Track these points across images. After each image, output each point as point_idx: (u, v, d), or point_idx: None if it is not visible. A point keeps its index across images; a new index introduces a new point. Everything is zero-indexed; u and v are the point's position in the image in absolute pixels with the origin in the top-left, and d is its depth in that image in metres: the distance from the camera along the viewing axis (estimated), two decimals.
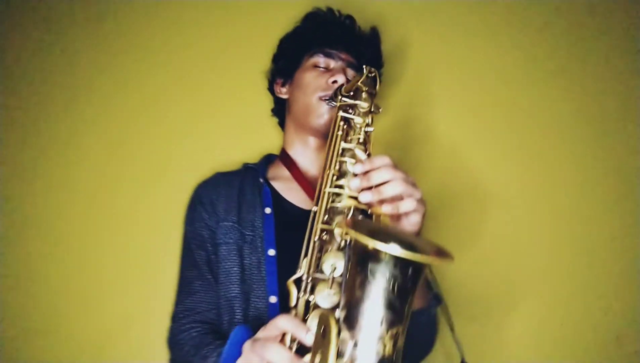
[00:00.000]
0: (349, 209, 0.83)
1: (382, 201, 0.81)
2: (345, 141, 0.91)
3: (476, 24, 1.45)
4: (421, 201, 0.84)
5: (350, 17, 1.26)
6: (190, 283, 1.05)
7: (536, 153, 1.39)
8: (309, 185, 1.10)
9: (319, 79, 1.13)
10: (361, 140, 0.91)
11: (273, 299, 0.96)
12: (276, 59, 1.28)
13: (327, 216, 0.84)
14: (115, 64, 1.36)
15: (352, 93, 0.96)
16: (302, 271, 0.81)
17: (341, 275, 0.77)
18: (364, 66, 0.98)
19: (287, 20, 1.31)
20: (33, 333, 1.18)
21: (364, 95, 0.95)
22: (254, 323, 0.90)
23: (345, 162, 0.88)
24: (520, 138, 1.40)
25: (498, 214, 1.36)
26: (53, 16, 1.35)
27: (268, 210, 1.06)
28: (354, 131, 0.92)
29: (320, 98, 1.10)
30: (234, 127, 1.37)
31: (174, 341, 1.02)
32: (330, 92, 1.08)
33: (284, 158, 1.19)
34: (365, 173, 0.83)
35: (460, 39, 1.44)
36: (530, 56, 1.43)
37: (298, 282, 0.81)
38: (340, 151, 0.89)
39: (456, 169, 1.38)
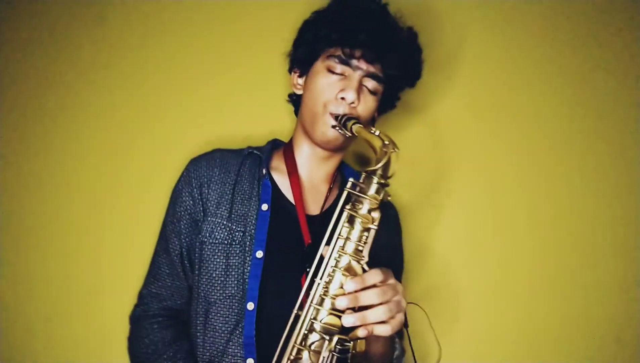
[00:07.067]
0: (329, 328, 0.82)
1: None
2: (344, 245, 0.85)
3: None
4: (400, 318, 0.82)
5: (383, 11, 1.04)
6: (159, 268, 1.03)
7: (536, 154, 1.35)
8: (300, 200, 1.03)
9: (331, 89, 1.00)
10: (360, 247, 0.84)
11: (250, 306, 0.93)
12: (295, 45, 1.12)
13: (307, 329, 0.84)
14: (116, 58, 1.28)
15: (363, 177, 0.86)
16: None
17: None
18: (386, 142, 0.84)
19: None
20: (33, 332, 1.22)
21: (374, 186, 0.84)
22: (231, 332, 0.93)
23: (338, 270, 0.84)
24: (520, 138, 1.34)
25: (498, 213, 1.34)
26: (53, 16, 1.26)
27: (265, 207, 0.99)
28: (355, 230, 0.84)
29: (330, 113, 0.99)
30: (241, 114, 1.30)
31: (137, 325, 1.01)
32: (339, 110, 0.98)
33: (288, 156, 1.09)
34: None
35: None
36: (522, 50, 1.35)
37: None
38: (336, 258, 0.84)
39: (457, 157, 1.35)
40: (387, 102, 1.12)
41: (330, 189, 1.09)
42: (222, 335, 0.94)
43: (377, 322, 0.79)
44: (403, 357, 1.03)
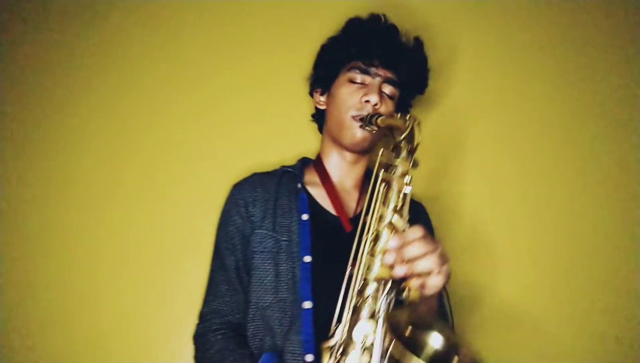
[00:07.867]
0: (382, 279, 0.88)
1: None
2: (384, 204, 0.93)
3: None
4: (447, 270, 0.87)
5: (392, 28, 1.21)
6: (218, 285, 1.10)
7: (537, 153, 1.41)
8: (338, 201, 1.13)
9: (353, 96, 1.13)
10: (399, 206, 0.93)
11: (307, 304, 0.99)
12: (315, 67, 1.27)
13: (362, 282, 0.90)
14: (116, 58, 1.33)
15: (392, 149, 0.97)
16: (336, 339, 0.87)
17: (372, 344, 0.84)
18: (407, 117, 0.97)
19: (330, 22, 1.27)
20: (33, 333, 1.21)
21: (403, 153, 0.96)
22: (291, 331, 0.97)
23: (382, 229, 0.92)
24: (521, 138, 1.41)
25: (496, 211, 1.39)
26: (53, 15, 1.31)
27: (305, 216, 1.08)
28: (392, 192, 0.94)
29: (353, 117, 1.12)
30: (241, 114, 1.36)
31: (202, 340, 1.07)
32: (363, 113, 1.10)
33: (319, 167, 1.21)
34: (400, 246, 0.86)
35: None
36: (529, 48, 1.42)
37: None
38: (378, 217, 0.93)
39: (459, 157, 1.40)
40: (402, 108, 1.24)
41: (360, 194, 1.20)
42: (278, 336, 0.99)
43: (426, 271, 0.84)
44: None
